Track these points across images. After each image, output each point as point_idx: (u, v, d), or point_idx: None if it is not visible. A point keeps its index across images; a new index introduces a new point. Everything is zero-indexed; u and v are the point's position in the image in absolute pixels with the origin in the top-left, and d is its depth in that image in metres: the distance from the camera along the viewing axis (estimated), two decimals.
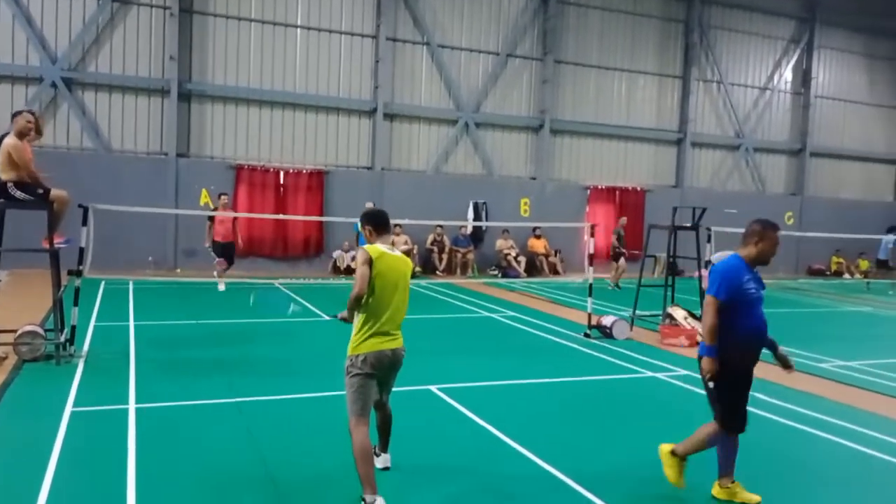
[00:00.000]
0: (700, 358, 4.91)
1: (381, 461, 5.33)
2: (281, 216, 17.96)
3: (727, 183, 24.42)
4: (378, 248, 4.75)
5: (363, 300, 4.63)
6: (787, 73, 25.18)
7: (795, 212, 25.23)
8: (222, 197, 14.56)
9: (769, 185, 25.21)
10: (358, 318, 4.75)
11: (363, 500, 4.43)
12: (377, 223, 4.95)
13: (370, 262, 4.62)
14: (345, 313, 4.76)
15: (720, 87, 24.06)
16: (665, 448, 5.12)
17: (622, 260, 18.42)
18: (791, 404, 7.60)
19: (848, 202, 26.11)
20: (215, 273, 14.22)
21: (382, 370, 4.83)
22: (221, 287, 14.24)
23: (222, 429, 6.14)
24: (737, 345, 4.82)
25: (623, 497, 4.98)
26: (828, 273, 25.03)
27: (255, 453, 5.58)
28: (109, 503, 4.51)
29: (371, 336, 4.71)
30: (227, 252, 14.14)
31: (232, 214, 14.50)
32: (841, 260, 25.35)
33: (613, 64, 22.40)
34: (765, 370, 9.25)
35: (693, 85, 23.35)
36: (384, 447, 5.41)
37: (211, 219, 14.09)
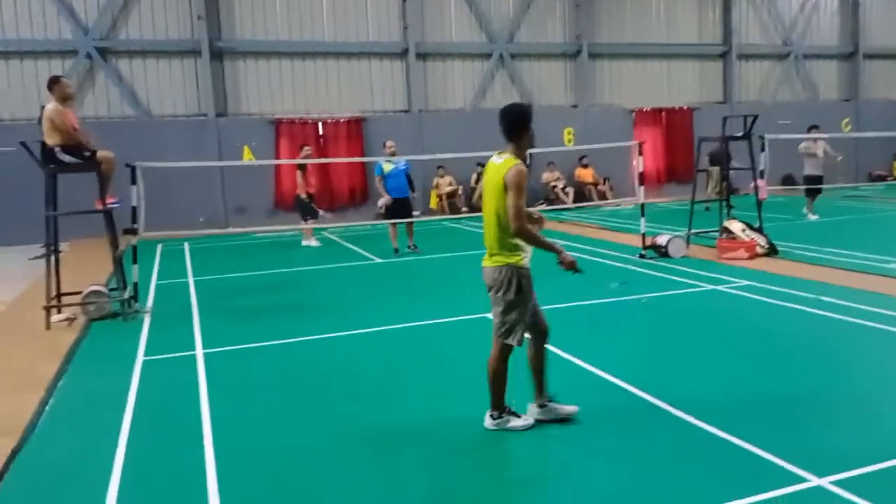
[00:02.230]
0: None
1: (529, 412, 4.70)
2: (354, 160, 18.04)
3: (777, 94, 23.47)
4: (491, 159, 4.53)
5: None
6: None
7: (852, 118, 24.16)
8: (305, 148, 14.14)
9: (822, 92, 24.15)
10: None
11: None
12: (501, 125, 4.44)
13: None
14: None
15: None
16: None
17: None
18: (861, 304, 7.37)
19: None
20: (309, 230, 14.16)
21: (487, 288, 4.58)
22: (316, 242, 14.19)
23: (288, 366, 6.25)
24: None
25: (697, 405, 4.89)
26: (890, 178, 24.03)
27: (326, 385, 5.67)
28: (187, 442, 4.63)
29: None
30: (314, 202, 14.23)
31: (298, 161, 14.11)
32: None
33: None
34: (831, 275, 9.03)
35: None
36: (536, 392, 4.68)
37: (303, 169, 13.84)
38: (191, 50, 17.47)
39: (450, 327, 7.36)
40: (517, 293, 4.40)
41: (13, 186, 14.62)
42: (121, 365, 6.34)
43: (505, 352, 4.53)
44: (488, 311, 7.57)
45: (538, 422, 4.61)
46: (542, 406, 4.65)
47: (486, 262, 4.52)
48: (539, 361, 4.66)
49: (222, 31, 17.74)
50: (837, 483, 3.68)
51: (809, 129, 15.03)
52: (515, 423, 4.60)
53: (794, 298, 7.83)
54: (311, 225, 14.13)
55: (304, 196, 13.97)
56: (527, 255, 4.46)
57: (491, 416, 4.60)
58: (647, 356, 6.17)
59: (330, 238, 15.35)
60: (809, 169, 14.88)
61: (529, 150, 4.48)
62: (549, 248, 4.39)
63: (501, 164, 4.33)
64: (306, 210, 14.05)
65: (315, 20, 18.49)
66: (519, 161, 4.32)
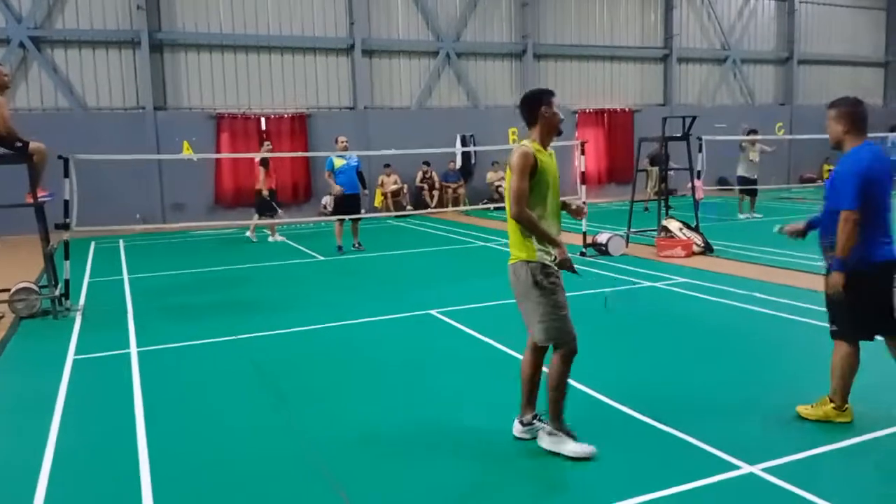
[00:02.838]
0: None
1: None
2: (308, 154, 17.85)
3: (715, 97, 24.12)
4: None
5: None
6: None
7: (785, 122, 25.00)
8: (266, 143, 14.73)
9: (758, 97, 24.92)
10: None
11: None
12: (521, 115, 4.23)
13: None
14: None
15: None
16: (815, 411, 4.48)
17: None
18: (791, 300, 7.63)
19: None
20: (266, 226, 14.45)
21: None
22: (279, 238, 14.38)
23: (226, 364, 6.13)
24: None
25: (633, 397, 4.99)
26: (819, 181, 24.94)
27: (263, 384, 5.58)
28: (119, 443, 4.49)
29: None
30: (276, 198, 14.41)
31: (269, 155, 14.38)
32: (832, 167, 25.16)
33: None
34: (763, 272, 9.32)
35: None
36: (523, 404, 4.34)
37: (265, 165, 13.94)
38: (129, 41, 16.99)
39: (395, 323, 7.34)
40: (534, 286, 4.02)
41: None
42: (50, 364, 6.12)
43: (566, 358, 4.15)
44: (433, 308, 7.65)
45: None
46: (527, 424, 4.30)
47: (512, 257, 4.18)
48: (533, 372, 4.30)
49: (162, 23, 17.30)
50: (767, 470, 3.83)
51: (748, 133, 15.41)
52: (570, 447, 4.07)
53: (727, 294, 8.06)
54: (264, 221, 14.19)
55: (265, 192, 14.00)
56: (544, 249, 4.05)
57: (548, 432, 4.17)
58: (586, 350, 6.23)
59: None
60: (742, 170, 15.28)
61: (554, 134, 4.16)
62: (549, 240, 4.04)
63: (513, 150, 4.09)
64: (265, 206, 14.04)
65: (259, 13, 18.19)
66: (526, 142, 4.07)
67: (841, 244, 4.19)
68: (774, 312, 7.22)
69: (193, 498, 3.79)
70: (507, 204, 4.15)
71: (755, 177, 15.29)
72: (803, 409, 4.55)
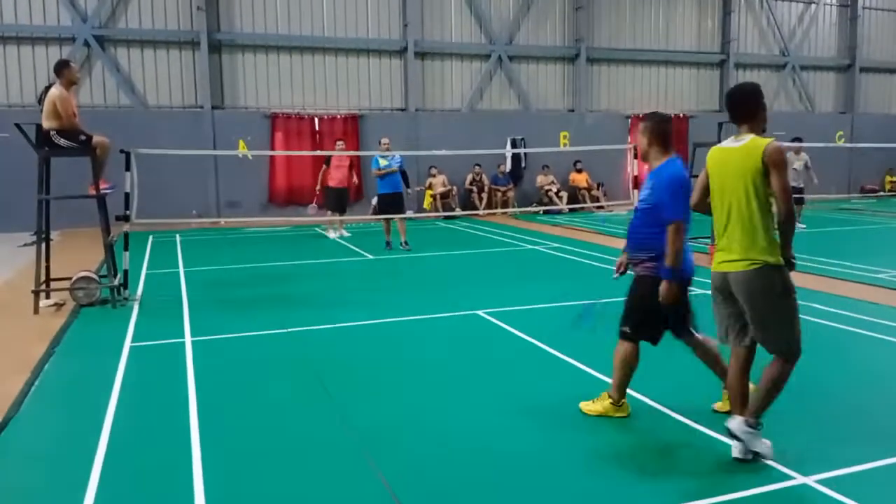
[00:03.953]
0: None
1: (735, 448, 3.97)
2: (349, 153, 17.66)
3: (773, 104, 23.53)
4: (719, 146, 4.03)
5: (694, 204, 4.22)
6: None
7: (846, 131, 24.29)
8: (339, 143, 14.83)
9: (818, 104, 24.27)
10: None
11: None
12: (732, 108, 3.98)
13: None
14: None
15: (763, 3, 23.03)
16: (595, 406, 4.67)
17: None
18: (849, 311, 7.42)
19: None
20: (336, 222, 14.61)
21: (721, 295, 4.05)
22: (334, 235, 14.54)
23: (276, 355, 6.25)
24: None
25: (689, 407, 4.90)
26: (882, 193, 24.16)
27: (312, 374, 5.66)
28: (173, 426, 4.62)
29: (717, 250, 4.03)
30: (340, 199, 14.27)
31: (345, 153, 14.64)
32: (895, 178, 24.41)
33: None
34: (819, 282, 9.08)
35: (734, 3, 22.39)
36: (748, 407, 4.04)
37: (327, 163, 14.20)
38: (189, 41, 17.43)
39: (441, 322, 7.37)
40: (785, 294, 3.81)
41: (5, 174, 14.56)
42: (108, 350, 6.32)
43: (790, 367, 3.94)
44: (480, 309, 7.64)
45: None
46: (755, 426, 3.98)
47: (735, 266, 3.87)
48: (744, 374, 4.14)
49: (221, 24, 17.71)
50: (821, 482, 3.76)
51: (792, 140, 15.03)
52: (762, 446, 3.97)
53: None
54: (325, 219, 14.50)
55: (318, 189, 14.40)
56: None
57: (747, 422, 3.94)
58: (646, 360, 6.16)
59: (322, 234, 15.35)
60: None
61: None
62: (791, 250, 3.90)
63: (745, 145, 3.81)
64: (330, 202, 14.30)
65: (314, 15, 18.48)
66: (748, 138, 3.84)
67: (674, 254, 4.25)
68: (831, 323, 7.03)
69: (243, 481, 3.87)
70: (726, 209, 3.94)
71: (801, 185, 14.91)
72: (585, 406, 4.68)
